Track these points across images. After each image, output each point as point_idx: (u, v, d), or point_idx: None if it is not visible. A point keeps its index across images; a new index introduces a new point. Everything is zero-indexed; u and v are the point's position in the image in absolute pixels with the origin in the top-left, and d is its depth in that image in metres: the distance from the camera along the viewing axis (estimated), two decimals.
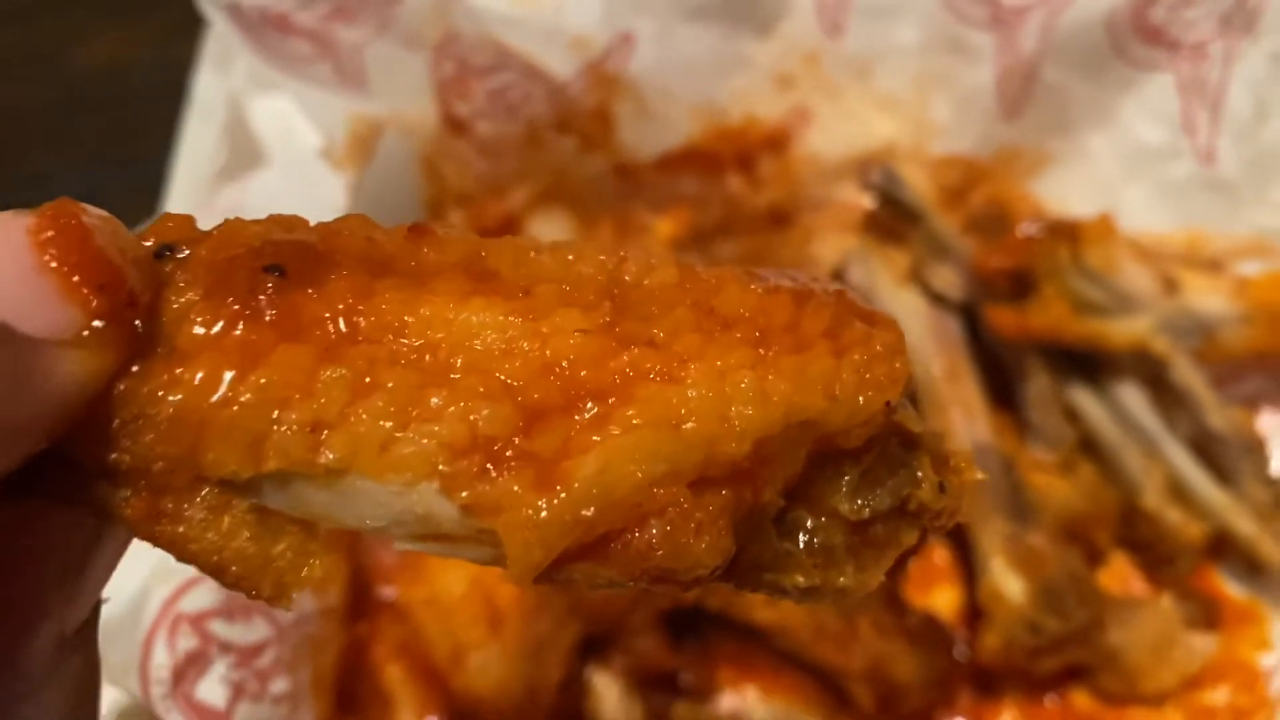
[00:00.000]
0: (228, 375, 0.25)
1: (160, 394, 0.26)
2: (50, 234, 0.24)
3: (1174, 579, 0.84)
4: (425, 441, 0.25)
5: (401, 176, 0.88)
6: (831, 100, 0.94)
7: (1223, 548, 0.84)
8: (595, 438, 0.25)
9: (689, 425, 0.26)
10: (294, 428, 0.26)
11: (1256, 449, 0.83)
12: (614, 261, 0.29)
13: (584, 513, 0.25)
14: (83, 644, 0.31)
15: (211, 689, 0.61)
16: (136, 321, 0.26)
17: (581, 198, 0.93)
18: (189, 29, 0.87)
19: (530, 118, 0.87)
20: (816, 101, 0.94)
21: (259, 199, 0.72)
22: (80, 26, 1.16)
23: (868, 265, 0.85)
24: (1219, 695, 0.79)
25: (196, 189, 0.78)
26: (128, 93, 1.14)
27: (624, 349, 0.26)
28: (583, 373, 0.26)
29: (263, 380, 0.26)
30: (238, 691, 0.62)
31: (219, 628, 0.63)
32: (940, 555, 0.87)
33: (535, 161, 0.91)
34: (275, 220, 0.28)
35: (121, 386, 0.26)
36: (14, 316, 0.24)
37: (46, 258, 0.24)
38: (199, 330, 0.26)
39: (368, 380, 0.26)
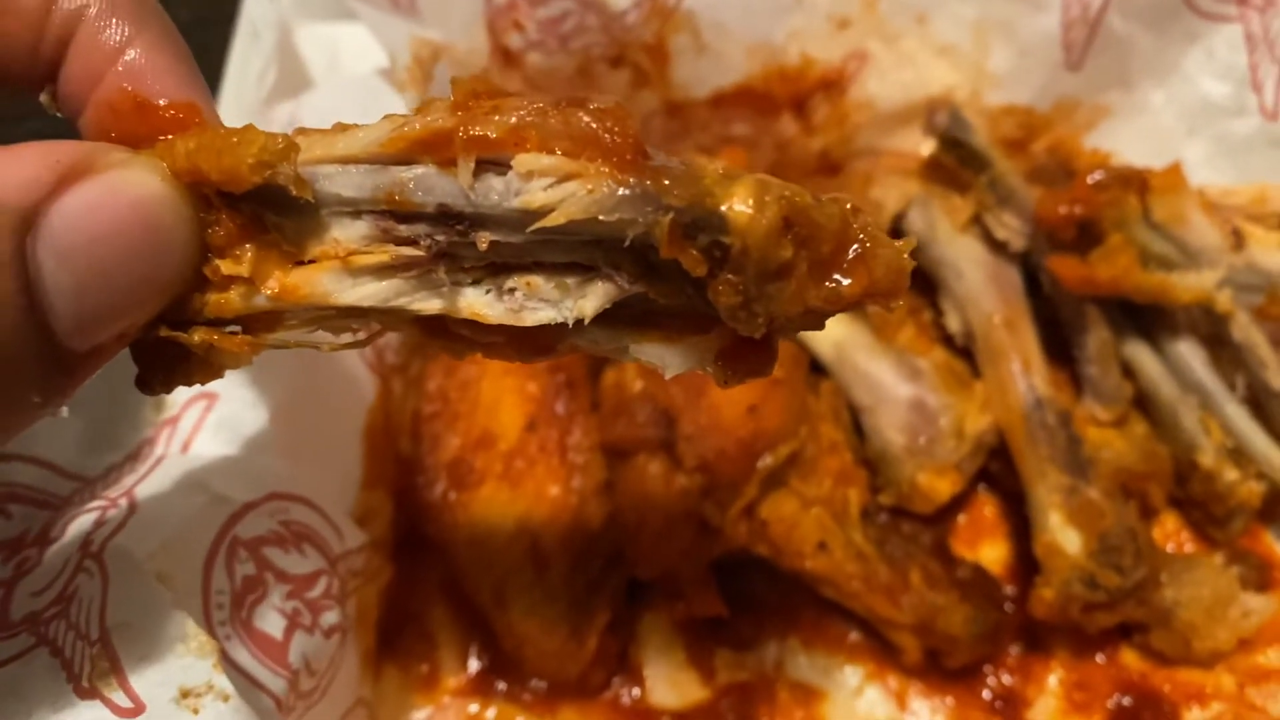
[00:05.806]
0: None
1: None
2: None
3: (1226, 539, 0.83)
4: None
5: None
6: (888, 45, 0.92)
7: (1274, 509, 0.83)
8: None
9: None
10: None
11: None
12: None
13: None
14: None
15: (267, 618, 0.59)
16: None
17: None
18: None
19: (583, 49, 0.84)
20: (873, 45, 0.91)
21: (312, 115, 0.70)
22: None
23: (928, 211, 0.83)
24: (1273, 657, 0.78)
25: (245, 108, 0.76)
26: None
27: None
28: None
29: None
30: (292, 622, 0.60)
31: (274, 555, 0.61)
32: (989, 510, 0.86)
33: None
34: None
35: None
36: None
37: None
38: None
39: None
